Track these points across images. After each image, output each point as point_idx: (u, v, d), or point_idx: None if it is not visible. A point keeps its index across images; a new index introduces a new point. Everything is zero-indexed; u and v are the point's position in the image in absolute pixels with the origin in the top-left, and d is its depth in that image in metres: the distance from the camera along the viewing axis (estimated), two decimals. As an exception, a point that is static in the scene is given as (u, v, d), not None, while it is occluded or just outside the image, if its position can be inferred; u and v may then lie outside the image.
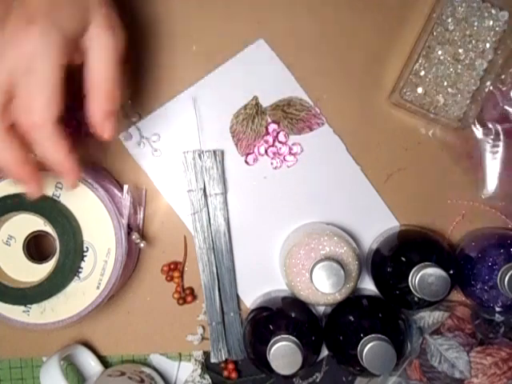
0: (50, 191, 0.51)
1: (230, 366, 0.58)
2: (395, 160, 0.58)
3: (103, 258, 0.51)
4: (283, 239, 0.58)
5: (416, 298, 0.52)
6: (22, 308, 0.51)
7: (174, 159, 0.57)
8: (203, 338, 0.58)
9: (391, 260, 0.54)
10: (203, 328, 0.58)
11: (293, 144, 0.58)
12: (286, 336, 0.49)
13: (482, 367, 0.55)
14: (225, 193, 0.57)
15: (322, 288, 0.48)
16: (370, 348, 0.48)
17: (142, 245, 0.54)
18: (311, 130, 0.58)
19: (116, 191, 0.54)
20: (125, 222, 0.52)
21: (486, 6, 0.53)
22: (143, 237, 0.57)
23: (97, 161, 0.57)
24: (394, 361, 0.48)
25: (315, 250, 0.51)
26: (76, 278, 0.52)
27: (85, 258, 0.51)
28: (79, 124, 0.56)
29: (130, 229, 0.53)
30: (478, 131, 0.57)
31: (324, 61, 0.57)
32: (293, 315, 0.53)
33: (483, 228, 0.58)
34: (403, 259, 0.53)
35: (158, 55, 0.57)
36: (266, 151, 0.58)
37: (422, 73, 0.55)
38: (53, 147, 0.41)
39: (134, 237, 0.53)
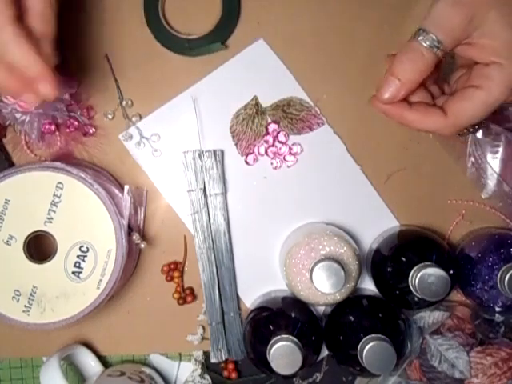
0: (50, 191, 0.51)
1: (230, 366, 0.58)
2: (395, 160, 0.58)
3: (104, 258, 0.51)
4: (283, 239, 0.58)
5: (416, 298, 0.52)
6: (22, 308, 0.51)
7: (174, 159, 0.57)
8: (203, 338, 0.58)
9: (391, 260, 0.54)
10: (203, 328, 0.58)
11: (293, 144, 0.58)
12: (286, 336, 0.49)
13: (482, 367, 0.55)
14: (225, 193, 0.57)
15: (322, 288, 0.48)
16: (370, 348, 0.48)
17: (142, 245, 0.54)
18: (311, 130, 0.58)
19: (116, 191, 0.54)
20: (125, 222, 0.52)
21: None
22: (143, 237, 0.57)
23: (97, 161, 0.57)
24: (394, 361, 0.48)
25: (315, 250, 0.51)
26: (76, 278, 0.52)
27: (85, 259, 0.51)
28: (80, 124, 0.56)
29: (130, 229, 0.53)
30: (478, 131, 0.56)
31: (324, 61, 0.57)
32: (293, 315, 0.53)
33: (483, 228, 0.58)
34: (403, 259, 0.53)
35: (159, 55, 0.57)
36: (266, 151, 0.58)
37: (422, 73, 0.55)
38: (18, 49, 0.40)
39: (134, 237, 0.53)
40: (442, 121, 0.45)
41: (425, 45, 0.42)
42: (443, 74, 0.50)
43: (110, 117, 0.57)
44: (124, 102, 0.57)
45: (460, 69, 0.48)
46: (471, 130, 0.53)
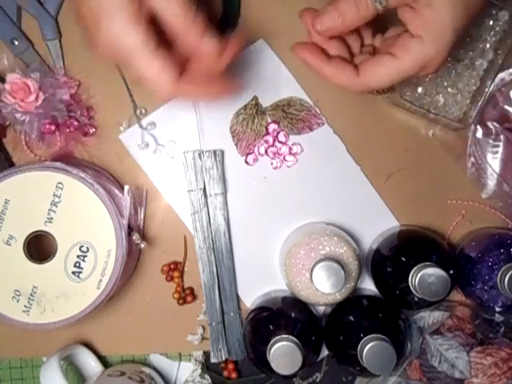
0: (50, 191, 0.51)
1: (230, 366, 0.58)
2: (395, 160, 0.58)
3: (104, 258, 0.51)
4: (283, 239, 0.58)
5: (416, 298, 0.52)
6: (22, 308, 0.51)
7: (174, 159, 0.57)
8: (203, 338, 0.58)
9: (391, 260, 0.54)
10: (203, 328, 0.58)
11: (293, 144, 0.58)
12: (286, 336, 0.49)
13: (482, 367, 0.55)
14: (225, 193, 0.57)
15: (322, 288, 0.48)
16: (370, 348, 0.48)
17: (142, 245, 0.54)
18: (311, 130, 0.58)
19: (117, 191, 0.54)
20: (125, 222, 0.52)
21: (485, 6, 0.53)
22: (143, 237, 0.57)
23: (97, 161, 0.57)
24: (394, 361, 0.48)
25: (315, 250, 0.51)
26: (76, 278, 0.52)
27: (85, 259, 0.51)
28: (80, 124, 0.56)
29: (130, 229, 0.53)
30: (478, 131, 0.57)
31: (324, 61, 0.57)
32: (293, 315, 0.53)
33: (483, 228, 0.58)
34: (403, 259, 0.53)
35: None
36: (266, 151, 0.58)
37: (422, 73, 0.55)
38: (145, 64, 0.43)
39: (134, 237, 0.53)
40: (353, 79, 0.46)
41: None
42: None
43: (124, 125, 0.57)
44: (138, 111, 0.57)
45: (402, 27, 0.48)
46: (379, 92, 0.55)
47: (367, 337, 0.49)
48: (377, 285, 0.57)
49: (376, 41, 0.50)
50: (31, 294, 0.51)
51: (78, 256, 0.52)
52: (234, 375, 0.58)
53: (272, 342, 0.49)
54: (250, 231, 0.58)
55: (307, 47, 0.48)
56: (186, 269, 0.58)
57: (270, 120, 0.58)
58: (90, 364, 0.57)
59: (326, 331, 0.55)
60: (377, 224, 0.58)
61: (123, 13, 0.41)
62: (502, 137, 0.56)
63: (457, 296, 0.59)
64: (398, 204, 0.58)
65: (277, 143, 0.58)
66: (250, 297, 0.58)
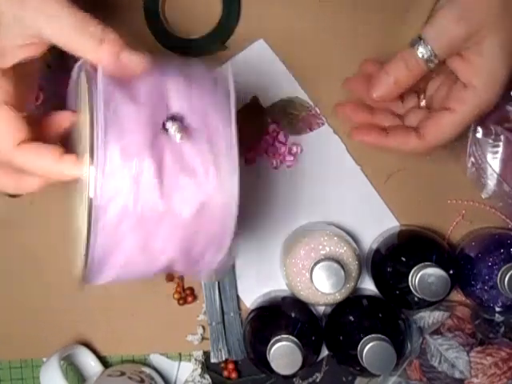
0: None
1: (230, 366, 0.58)
2: (395, 160, 0.58)
3: None
4: (283, 239, 0.58)
5: (416, 298, 0.52)
6: None
7: (174, 159, 0.57)
8: (203, 338, 0.58)
9: (391, 260, 0.54)
10: (203, 328, 0.58)
11: (292, 144, 0.58)
12: (286, 336, 0.49)
13: (482, 367, 0.55)
14: (225, 193, 0.57)
15: (322, 288, 0.48)
16: (370, 348, 0.48)
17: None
18: (311, 130, 0.58)
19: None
20: None
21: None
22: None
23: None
24: (394, 361, 0.48)
25: (315, 250, 0.51)
26: None
27: None
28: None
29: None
30: (478, 131, 0.56)
31: (324, 61, 0.57)
32: (293, 315, 0.53)
33: (483, 228, 0.58)
34: (403, 259, 0.53)
35: (159, 55, 0.57)
36: (265, 151, 0.58)
37: (422, 73, 0.55)
38: None
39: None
40: (418, 144, 0.47)
41: (421, 57, 0.43)
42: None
43: None
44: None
45: (436, 77, 0.49)
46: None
47: (367, 337, 0.49)
48: (377, 285, 0.57)
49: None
50: None
51: None
52: (234, 375, 0.58)
53: (272, 341, 0.49)
54: (249, 231, 0.58)
55: (361, 130, 0.50)
56: (186, 269, 0.58)
57: (269, 120, 0.58)
58: (90, 364, 0.57)
59: (326, 331, 0.55)
60: (377, 224, 0.58)
61: None
62: (502, 137, 0.56)
63: (457, 296, 0.59)
64: (397, 204, 0.58)
65: (276, 143, 0.58)
66: (250, 297, 0.58)
